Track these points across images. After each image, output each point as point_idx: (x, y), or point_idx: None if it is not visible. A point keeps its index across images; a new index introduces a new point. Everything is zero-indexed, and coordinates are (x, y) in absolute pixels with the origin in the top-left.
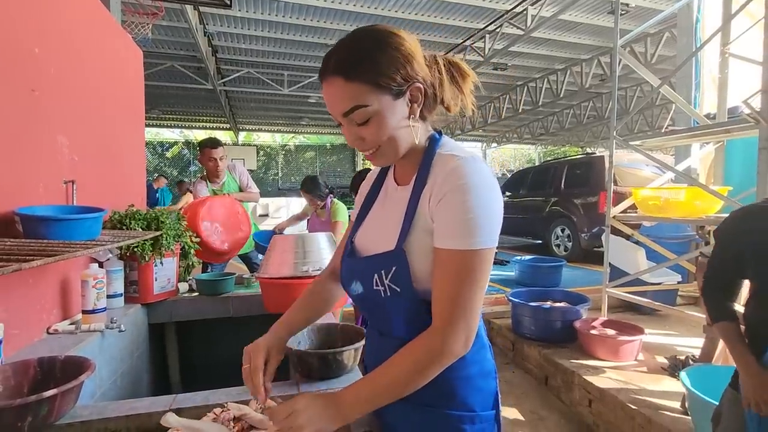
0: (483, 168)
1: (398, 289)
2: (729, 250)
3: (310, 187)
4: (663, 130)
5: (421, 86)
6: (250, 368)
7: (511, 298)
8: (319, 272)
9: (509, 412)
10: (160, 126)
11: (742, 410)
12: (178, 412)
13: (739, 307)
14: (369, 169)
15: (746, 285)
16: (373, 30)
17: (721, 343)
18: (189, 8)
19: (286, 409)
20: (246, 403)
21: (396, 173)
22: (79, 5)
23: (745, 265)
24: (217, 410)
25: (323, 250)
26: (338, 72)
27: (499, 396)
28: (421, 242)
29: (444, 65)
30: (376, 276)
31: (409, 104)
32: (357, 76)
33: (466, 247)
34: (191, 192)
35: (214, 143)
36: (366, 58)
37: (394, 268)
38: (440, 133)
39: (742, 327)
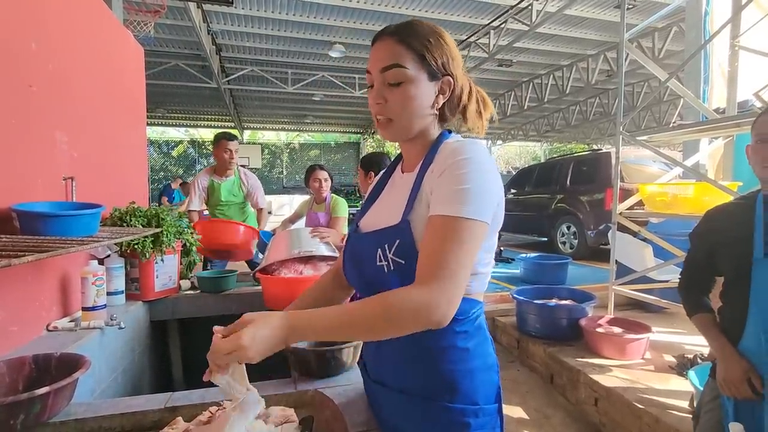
0: (483, 149)
1: (402, 262)
2: (701, 248)
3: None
4: (671, 125)
5: (452, 82)
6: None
7: (515, 295)
8: (309, 253)
9: (514, 411)
10: (165, 125)
11: (719, 398)
12: (174, 410)
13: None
14: (382, 153)
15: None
16: (433, 23)
17: None
18: (192, 6)
19: (232, 341)
20: None
21: (403, 164)
22: (76, 1)
23: (715, 261)
24: (213, 408)
25: (314, 238)
26: (393, 34)
27: (501, 390)
28: (424, 217)
29: (474, 86)
30: (379, 251)
31: (437, 93)
32: (408, 42)
33: (456, 214)
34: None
35: (230, 136)
36: (421, 34)
37: (398, 241)
38: (450, 131)
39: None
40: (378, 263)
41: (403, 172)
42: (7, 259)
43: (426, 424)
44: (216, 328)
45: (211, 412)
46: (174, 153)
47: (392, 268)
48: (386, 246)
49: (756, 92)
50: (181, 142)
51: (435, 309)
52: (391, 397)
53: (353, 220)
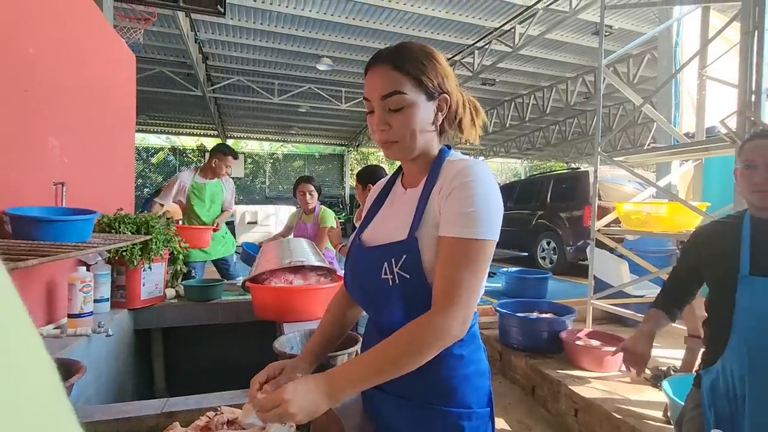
0: (488, 170)
1: (408, 276)
2: (686, 261)
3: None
4: (645, 147)
5: (448, 99)
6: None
7: (498, 308)
8: (300, 263)
9: (497, 423)
10: (146, 131)
11: (700, 407)
12: (170, 415)
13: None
14: (379, 166)
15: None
16: (422, 44)
17: (701, 354)
18: (180, 15)
19: (274, 400)
20: (239, 406)
21: (404, 180)
22: (74, 7)
23: (702, 275)
24: (210, 414)
25: (305, 249)
26: (388, 61)
27: (492, 395)
28: (430, 235)
29: (466, 96)
30: (386, 264)
31: (436, 111)
32: (404, 68)
33: (468, 236)
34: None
35: (235, 154)
36: (414, 58)
37: (404, 256)
38: (449, 147)
39: (702, 332)
40: (383, 276)
41: (405, 188)
42: (12, 262)
43: (423, 427)
44: (254, 379)
45: (208, 416)
46: (154, 160)
47: (397, 281)
48: (393, 260)
49: (722, 120)
50: (161, 149)
51: (452, 330)
52: (388, 401)
53: (355, 234)
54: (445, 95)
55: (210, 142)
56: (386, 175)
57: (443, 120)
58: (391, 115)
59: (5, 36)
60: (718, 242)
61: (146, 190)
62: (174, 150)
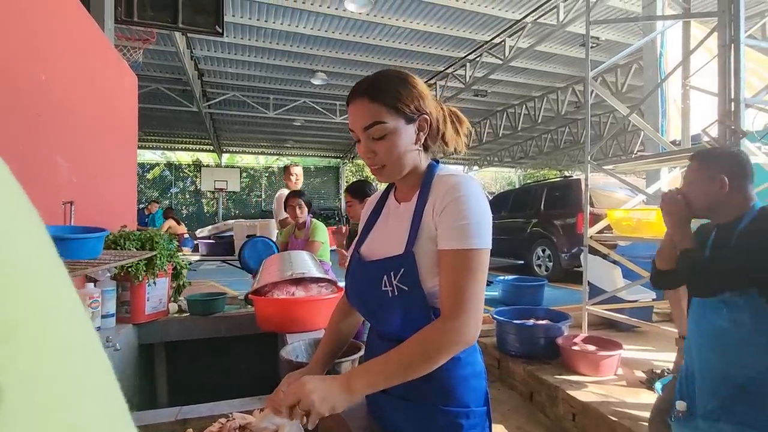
0: (476, 184)
1: (406, 288)
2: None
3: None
4: (633, 155)
5: (428, 118)
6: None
7: (495, 316)
8: (302, 275)
9: (496, 429)
10: (142, 147)
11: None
12: (184, 423)
13: None
14: (368, 182)
15: None
16: (397, 70)
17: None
18: (177, 33)
19: (296, 392)
20: (250, 413)
21: (397, 194)
22: (82, 33)
23: None
24: (223, 420)
25: (306, 261)
26: (365, 94)
27: (489, 395)
28: (426, 247)
29: (446, 110)
30: (385, 277)
31: (417, 132)
32: (380, 99)
33: (465, 247)
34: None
35: (294, 163)
36: (389, 87)
37: (402, 270)
38: (437, 161)
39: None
40: (383, 288)
41: (399, 202)
42: None
43: (424, 426)
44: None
45: (221, 422)
46: (149, 176)
47: (396, 293)
48: (392, 273)
49: (704, 128)
50: (157, 164)
51: (467, 335)
52: (391, 402)
53: (355, 246)
54: (425, 116)
55: (205, 157)
56: (375, 189)
57: (426, 138)
58: (375, 143)
59: (20, 64)
60: (698, 242)
61: (141, 206)
62: (170, 165)
